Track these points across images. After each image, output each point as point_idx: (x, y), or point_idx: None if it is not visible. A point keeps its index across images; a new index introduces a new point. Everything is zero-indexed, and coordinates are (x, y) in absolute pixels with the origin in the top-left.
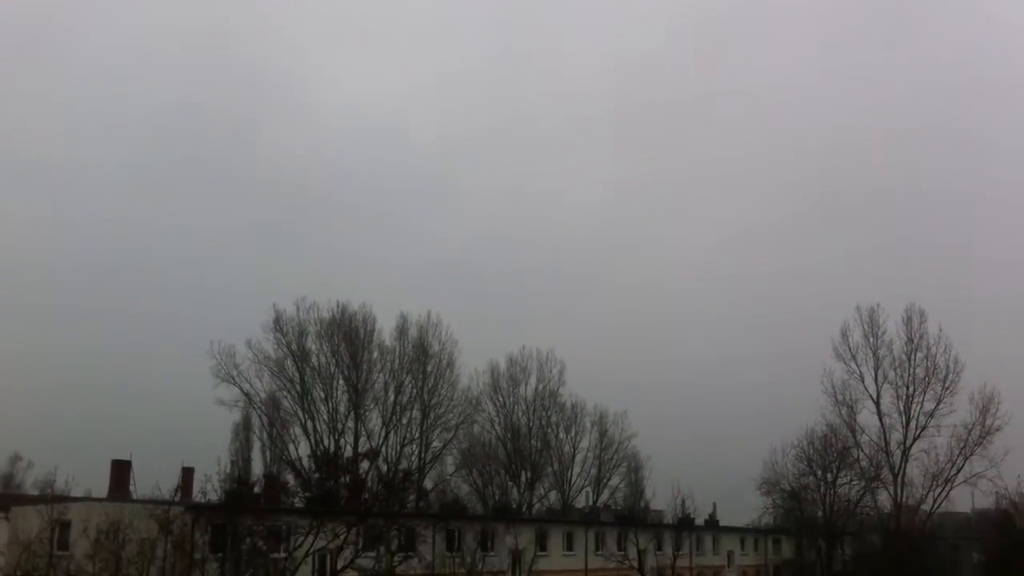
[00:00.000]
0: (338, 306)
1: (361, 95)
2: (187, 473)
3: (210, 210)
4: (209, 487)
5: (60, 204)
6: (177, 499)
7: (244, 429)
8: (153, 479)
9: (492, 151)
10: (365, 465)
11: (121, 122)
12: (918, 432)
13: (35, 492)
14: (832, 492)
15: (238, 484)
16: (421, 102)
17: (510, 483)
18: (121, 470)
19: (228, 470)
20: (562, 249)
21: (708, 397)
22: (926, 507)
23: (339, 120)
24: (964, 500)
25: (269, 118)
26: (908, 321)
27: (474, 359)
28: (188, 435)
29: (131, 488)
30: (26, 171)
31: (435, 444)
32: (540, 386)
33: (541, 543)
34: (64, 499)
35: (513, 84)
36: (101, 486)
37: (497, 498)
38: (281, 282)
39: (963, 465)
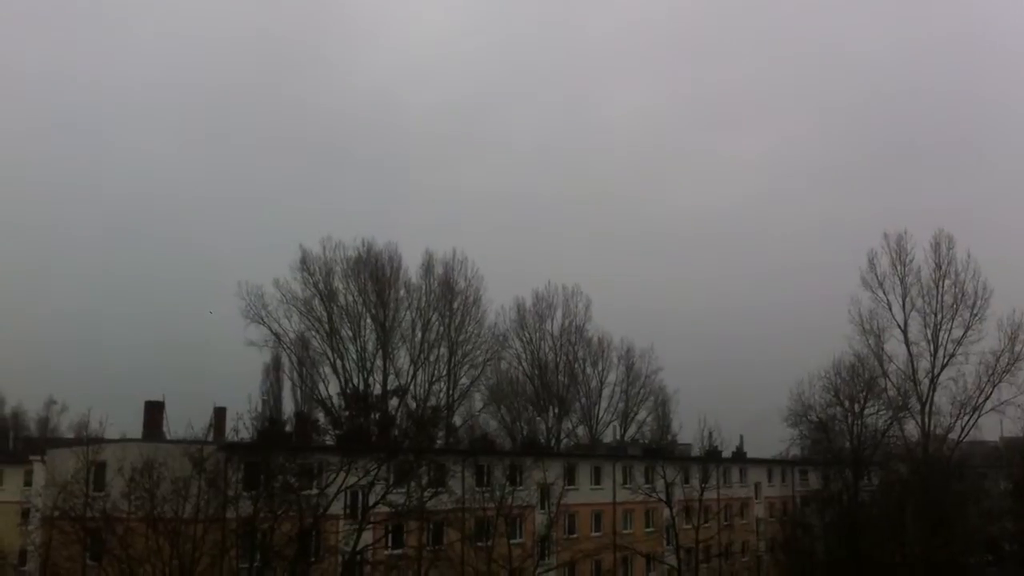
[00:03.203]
0: (363, 244)
1: (400, 29)
2: (219, 413)
3: (237, 149)
4: (241, 426)
5: (94, 140)
6: (210, 438)
7: (274, 369)
8: (186, 420)
9: (538, 76)
10: (394, 402)
11: (158, 55)
12: (946, 360)
13: (70, 435)
14: (859, 422)
15: (270, 423)
16: (463, 28)
17: (538, 418)
18: (154, 411)
19: (259, 409)
20: (592, 178)
21: (735, 330)
22: (954, 436)
23: (377, 57)
24: (992, 428)
25: (304, 61)
26: (936, 247)
27: (500, 295)
28: (219, 376)
29: (164, 429)
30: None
31: (463, 381)
32: (566, 321)
33: (569, 477)
34: (99, 441)
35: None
36: (135, 428)
37: (525, 433)
38: (308, 221)
39: (991, 393)
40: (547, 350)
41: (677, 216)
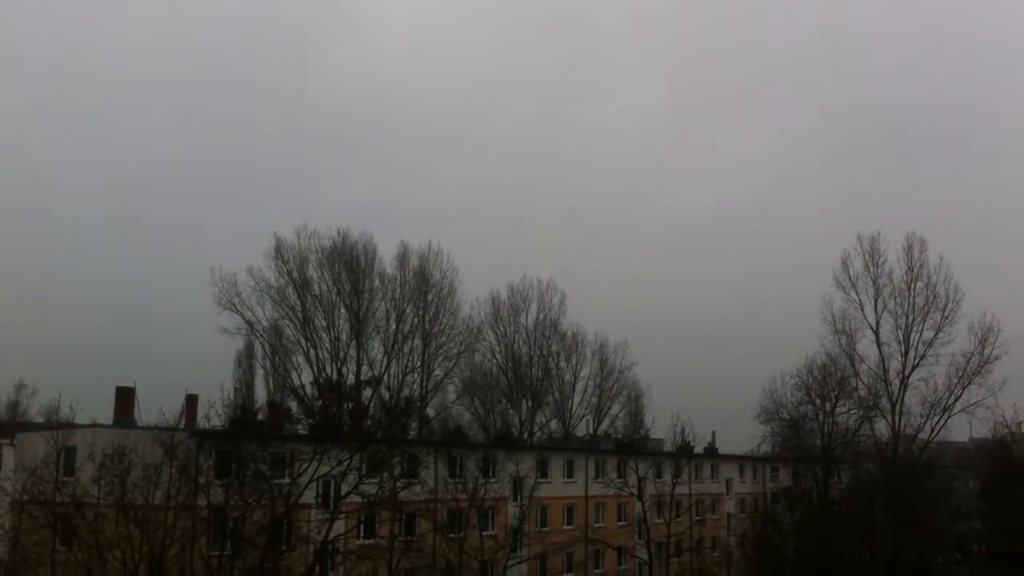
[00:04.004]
0: (339, 234)
1: (395, 20)
2: (191, 400)
3: (222, 135)
4: (213, 413)
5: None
6: (181, 426)
7: (247, 357)
8: (157, 407)
9: (532, 90)
10: (367, 393)
11: (153, 37)
12: (917, 361)
13: (40, 419)
14: (830, 421)
15: (242, 411)
16: (459, 19)
17: (511, 411)
18: (125, 397)
19: (232, 397)
20: (574, 174)
21: (709, 327)
22: (923, 436)
23: (372, 45)
24: (962, 429)
25: (292, 47)
26: (909, 250)
27: (476, 289)
28: (191, 363)
29: (135, 415)
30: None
31: (437, 373)
32: (541, 315)
33: (542, 470)
34: (69, 425)
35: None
36: (106, 414)
37: (498, 426)
38: (285, 209)
39: (961, 394)
40: (521, 343)
41: (655, 213)
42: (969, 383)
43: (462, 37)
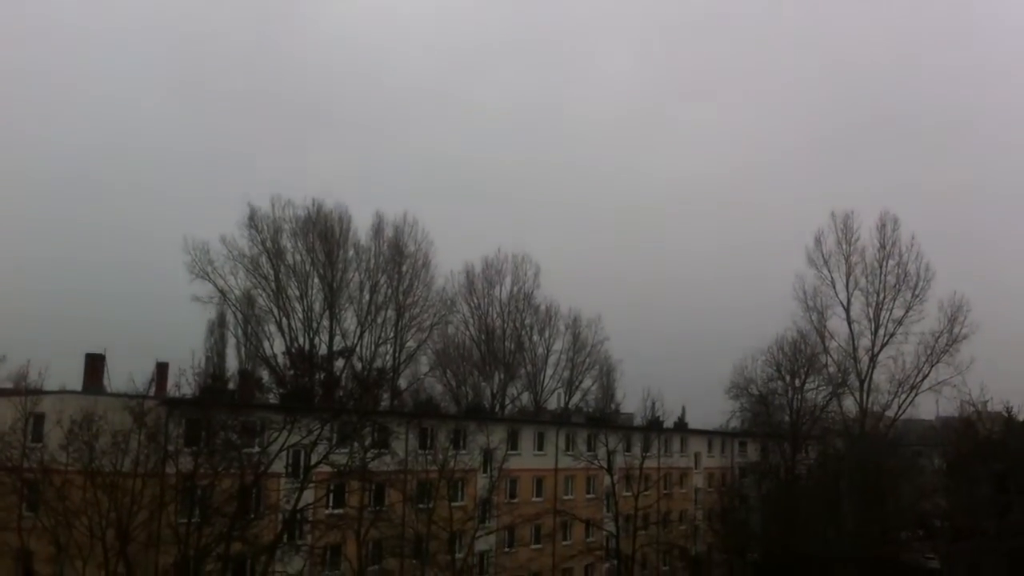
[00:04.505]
0: (313, 204)
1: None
2: (161, 368)
3: (193, 103)
4: (183, 381)
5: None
6: (151, 393)
7: (219, 326)
8: (127, 374)
9: (509, 61)
10: (340, 363)
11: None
12: (886, 339)
13: (8, 385)
14: (799, 397)
15: (213, 380)
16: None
17: (483, 384)
18: (95, 364)
19: (203, 366)
20: (550, 148)
21: (682, 303)
22: (891, 413)
23: (350, 27)
24: (928, 407)
25: (272, 22)
26: (881, 228)
27: (450, 261)
28: (162, 331)
29: (105, 382)
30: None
31: (409, 344)
32: (515, 288)
33: (513, 442)
34: (38, 392)
35: None
36: (75, 381)
37: (470, 398)
38: (261, 177)
39: (929, 372)
40: (495, 316)
41: (631, 188)
42: (937, 361)
43: (441, 8)
